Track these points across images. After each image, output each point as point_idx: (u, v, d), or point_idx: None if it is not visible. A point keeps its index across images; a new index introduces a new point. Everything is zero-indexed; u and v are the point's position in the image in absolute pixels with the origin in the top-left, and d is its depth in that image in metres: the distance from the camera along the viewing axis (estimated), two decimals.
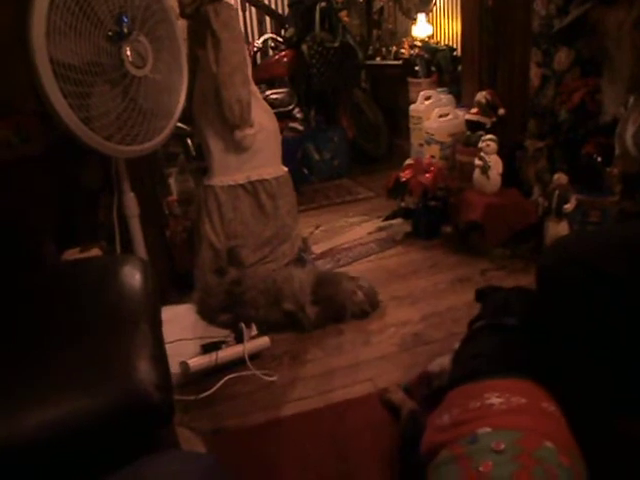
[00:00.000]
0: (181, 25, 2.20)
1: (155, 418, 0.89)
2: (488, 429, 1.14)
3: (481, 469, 1.05)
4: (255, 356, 2.03)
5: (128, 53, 1.73)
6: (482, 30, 3.24)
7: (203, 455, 1.00)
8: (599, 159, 2.61)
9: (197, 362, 1.91)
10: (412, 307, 2.36)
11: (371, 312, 2.31)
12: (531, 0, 2.97)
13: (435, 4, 4.85)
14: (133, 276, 1.15)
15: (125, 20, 1.72)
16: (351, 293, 2.29)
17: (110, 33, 1.69)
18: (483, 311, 1.65)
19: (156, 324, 1.06)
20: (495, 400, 1.21)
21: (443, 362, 1.70)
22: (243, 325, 2.06)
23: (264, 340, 2.08)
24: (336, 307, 2.26)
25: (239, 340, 2.04)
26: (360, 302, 2.29)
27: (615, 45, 1.46)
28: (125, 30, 1.72)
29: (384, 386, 1.80)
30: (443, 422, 1.26)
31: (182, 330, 2.12)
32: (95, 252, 1.83)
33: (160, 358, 0.96)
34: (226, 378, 1.91)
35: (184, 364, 1.88)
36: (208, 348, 1.97)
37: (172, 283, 2.50)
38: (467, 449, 1.12)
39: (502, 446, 1.08)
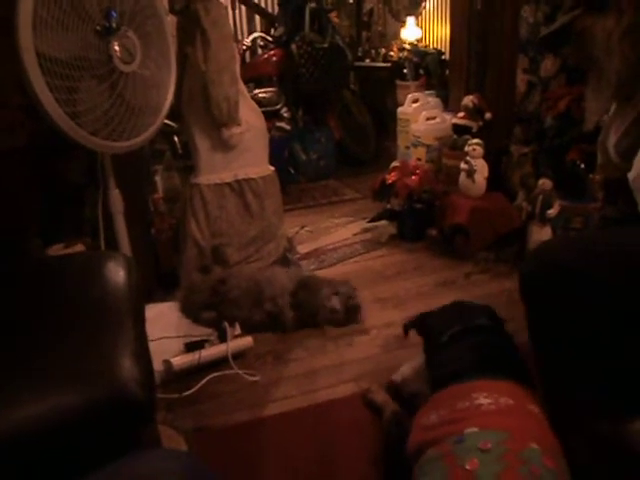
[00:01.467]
0: (170, 21, 2.19)
1: (137, 415, 0.88)
2: (475, 429, 1.15)
3: (467, 467, 1.06)
4: (238, 355, 2.03)
5: (116, 48, 1.72)
6: (470, 35, 3.28)
7: (185, 453, 1.00)
8: (582, 166, 2.64)
9: (180, 361, 1.91)
10: (396, 309, 2.37)
11: (346, 323, 2.25)
12: (519, 7, 3.00)
13: (424, 8, 4.89)
14: (117, 273, 1.14)
15: (114, 15, 1.71)
16: (326, 301, 2.25)
17: (98, 28, 1.68)
18: (436, 330, 1.61)
19: (139, 321, 1.06)
20: (484, 400, 1.23)
21: (405, 371, 1.76)
22: (227, 324, 2.06)
23: (247, 340, 2.08)
24: (311, 313, 2.25)
25: (222, 339, 2.03)
26: (333, 311, 2.24)
27: (603, 53, 1.48)
28: (114, 25, 1.71)
29: (367, 387, 1.81)
30: (430, 421, 1.27)
31: (166, 328, 2.11)
32: (79, 248, 1.81)
33: (143, 355, 0.96)
34: (209, 377, 1.90)
35: (167, 362, 1.88)
36: (191, 347, 1.97)
37: (156, 281, 2.49)
38: (454, 447, 1.13)
39: (489, 445, 1.09)
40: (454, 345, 1.50)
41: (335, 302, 2.25)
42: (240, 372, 1.93)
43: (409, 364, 1.77)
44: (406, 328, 1.73)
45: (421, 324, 1.70)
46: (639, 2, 1.44)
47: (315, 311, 2.24)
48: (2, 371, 0.90)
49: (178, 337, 2.04)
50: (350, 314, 2.27)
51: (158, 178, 2.99)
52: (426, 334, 1.67)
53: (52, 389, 0.87)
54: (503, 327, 1.60)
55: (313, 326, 2.24)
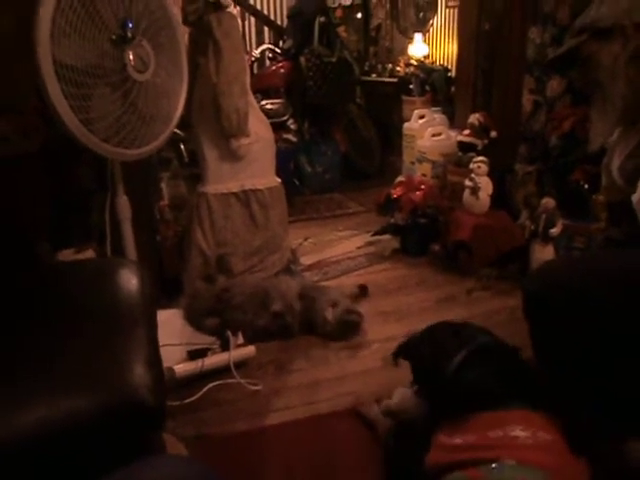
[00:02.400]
0: (183, 31, 2.22)
1: (148, 421, 0.89)
2: (512, 462, 1.11)
3: None
4: (241, 364, 2.03)
5: (131, 57, 1.75)
6: (478, 54, 3.31)
7: (196, 460, 1.00)
8: (586, 186, 2.66)
9: (183, 368, 1.91)
10: (397, 323, 2.38)
11: (339, 337, 2.24)
12: (527, 28, 3.04)
13: (432, 25, 4.94)
14: (129, 280, 1.15)
15: (130, 25, 1.74)
16: (321, 311, 2.25)
17: (114, 37, 1.70)
18: (435, 357, 1.50)
19: (152, 328, 1.07)
20: (520, 433, 1.18)
21: (404, 395, 1.67)
22: (230, 333, 2.07)
23: (250, 349, 2.09)
24: (308, 321, 2.27)
25: (225, 348, 2.04)
26: (325, 322, 2.24)
27: (608, 77, 1.50)
28: (129, 35, 1.74)
29: (367, 400, 1.82)
30: (454, 443, 1.23)
31: (169, 335, 2.11)
32: (90, 253, 1.83)
33: (154, 362, 0.97)
34: (210, 385, 1.91)
35: (170, 370, 1.88)
36: (194, 355, 1.98)
37: (160, 288, 2.50)
38: (487, 476, 1.10)
39: None
40: (468, 372, 1.39)
41: (329, 313, 2.24)
42: (242, 381, 1.93)
43: (400, 391, 1.70)
44: (395, 357, 1.64)
45: (410, 351, 1.60)
46: None
47: (311, 320, 2.26)
48: (15, 375, 0.91)
49: (181, 345, 2.05)
50: (344, 328, 2.25)
51: (164, 185, 3.01)
52: (422, 361, 1.55)
53: (64, 394, 0.88)
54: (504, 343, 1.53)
55: (316, 335, 2.25)
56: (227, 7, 2.41)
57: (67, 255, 1.83)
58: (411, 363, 1.59)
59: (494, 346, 1.47)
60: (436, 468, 1.22)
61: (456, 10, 4.16)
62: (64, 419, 0.84)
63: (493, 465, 1.11)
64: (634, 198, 1.43)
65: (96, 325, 1.03)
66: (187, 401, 1.83)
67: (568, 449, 1.19)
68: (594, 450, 1.21)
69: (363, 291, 2.62)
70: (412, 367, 1.59)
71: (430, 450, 1.28)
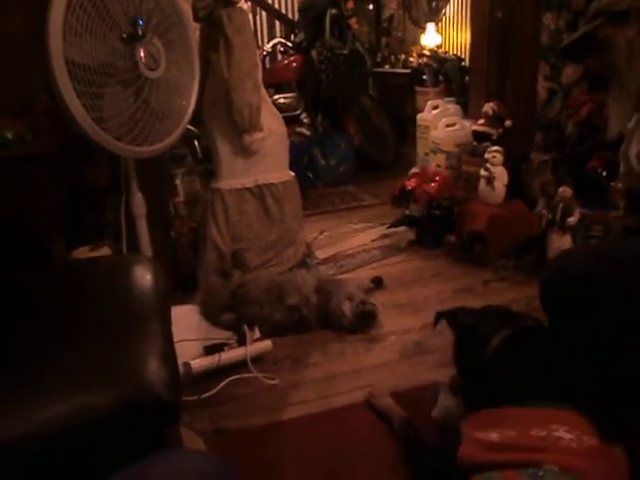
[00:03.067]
0: (193, 27, 2.22)
1: (163, 416, 0.90)
2: (555, 467, 1.06)
3: None
4: (257, 359, 2.04)
5: (142, 55, 1.75)
6: (491, 42, 3.27)
7: (213, 455, 1.01)
8: (604, 174, 2.62)
9: (200, 363, 1.93)
10: (414, 315, 2.37)
11: (356, 329, 2.23)
12: (541, 14, 3.00)
13: (444, 14, 4.89)
14: (144, 276, 1.16)
15: (140, 22, 1.74)
16: (338, 305, 2.24)
17: (124, 35, 1.71)
18: (479, 330, 1.45)
19: (166, 324, 1.08)
20: (564, 435, 1.12)
21: (447, 404, 1.61)
22: (246, 327, 2.08)
23: (266, 343, 2.09)
24: (325, 316, 2.26)
25: (242, 342, 2.05)
26: (342, 316, 2.23)
27: (624, 62, 1.48)
28: (140, 32, 1.74)
29: (382, 392, 1.81)
30: (490, 439, 1.17)
31: (185, 331, 2.13)
32: (105, 251, 1.85)
33: (170, 357, 0.98)
34: (228, 379, 1.92)
35: (186, 365, 1.90)
36: (211, 350, 1.99)
37: (176, 283, 2.51)
38: None
39: None
40: (511, 355, 1.34)
41: (346, 307, 2.24)
42: (259, 375, 1.94)
43: (444, 396, 1.63)
44: (437, 318, 1.61)
45: (456, 318, 1.55)
46: None
47: (328, 314, 2.26)
48: (32, 371, 0.92)
49: (197, 340, 2.07)
50: (361, 320, 2.24)
51: (179, 182, 3.02)
52: (463, 330, 1.50)
53: (80, 389, 0.89)
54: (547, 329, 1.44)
55: (333, 329, 2.25)
56: (237, 3, 2.40)
57: (82, 252, 1.85)
58: (453, 330, 1.54)
59: (537, 330, 1.39)
60: (470, 465, 1.16)
61: None
62: (81, 415, 0.85)
63: (534, 471, 1.05)
64: None
65: (111, 321, 1.04)
66: (205, 396, 1.85)
67: (610, 454, 1.13)
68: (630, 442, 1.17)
69: (378, 283, 2.61)
70: (454, 337, 1.53)
71: (462, 443, 1.22)
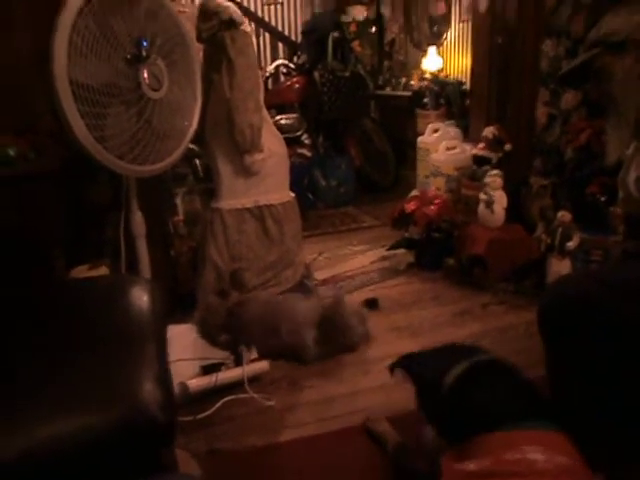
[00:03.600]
0: (196, 48, 2.24)
1: (158, 438, 0.90)
2: None
3: None
4: (254, 379, 2.03)
5: (145, 76, 1.77)
6: (491, 67, 3.31)
7: None
8: (603, 199, 2.64)
9: (196, 384, 1.92)
10: (412, 338, 2.37)
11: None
12: (540, 40, 3.04)
13: (446, 38, 4.94)
14: (141, 297, 1.16)
15: (144, 44, 1.77)
16: (350, 328, 2.26)
17: (129, 56, 1.73)
18: (434, 370, 1.46)
19: (162, 345, 1.08)
20: (538, 456, 1.12)
21: (429, 435, 1.55)
22: (244, 348, 2.07)
23: (263, 364, 2.08)
24: (337, 344, 2.25)
25: (238, 363, 2.04)
26: (352, 336, 2.26)
27: (621, 91, 1.50)
28: (143, 53, 1.76)
29: (378, 416, 1.80)
30: (468, 469, 1.17)
31: (182, 350, 2.12)
32: (103, 270, 1.85)
33: (164, 379, 0.98)
34: (223, 400, 1.91)
35: (183, 385, 1.89)
36: (208, 370, 1.98)
37: (175, 302, 2.51)
38: None
39: None
40: (469, 387, 1.35)
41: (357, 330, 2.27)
42: (255, 396, 1.93)
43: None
44: (392, 367, 1.60)
45: (410, 365, 1.56)
46: None
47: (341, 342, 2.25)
48: (28, 391, 0.92)
49: (195, 359, 2.06)
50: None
51: (179, 201, 3.03)
52: (418, 375, 1.53)
53: (75, 410, 0.89)
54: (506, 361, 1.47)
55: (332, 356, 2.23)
56: (241, 25, 2.43)
57: (81, 271, 1.85)
58: (411, 377, 1.54)
59: (495, 363, 1.42)
60: None
61: (469, 24, 4.17)
62: (75, 436, 0.84)
63: None
64: None
65: (107, 342, 1.04)
66: (200, 416, 1.83)
67: (587, 472, 1.14)
68: (613, 468, 1.18)
69: (372, 305, 2.60)
70: (413, 383, 1.53)
71: (443, 477, 1.22)
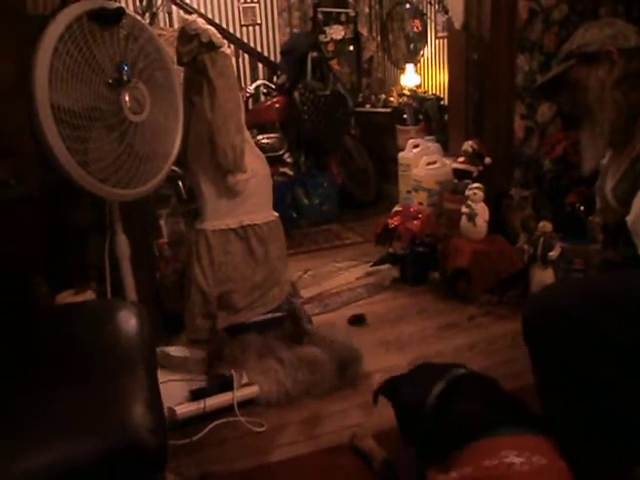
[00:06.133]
0: (177, 71, 2.26)
1: (149, 462, 0.89)
2: None
3: None
4: (244, 402, 2.01)
5: (127, 99, 1.78)
6: (468, 82, 3.36)
7: None
8: (582, 208, 2.68)
9: (184, 409, 1.89)
10: (399, 352, 2.37)
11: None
12: (514, 56, 3.10)
13: (423, 55, 5.02)
14: (129, 321, 1.16)
15: (125, 68, 1.78)
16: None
17: (110, 80, 1.74)
18: (410, 392, 1.53)
19: (151, 369, 1.07)
20: (515, 459, 1.15)
21: None
22: (234, 372, 2.05)
23: (254, 389, 2.06)
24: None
25: (229, 388, 2.01)
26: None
27: (596, 101, 1.53)
28: (125, 77, 1.77)
29: (366, 432, 1.80)
30: (450, 478, 1.20)
31: (171, 373, 2.10)
32: (89, 295, 1.83)
33: (155, 403, 0.97)
34: (213, 424, 1.89)
35: (171, 410, 1.86)
36: (197, 395, 1.95)
37: (162, 325, 2.49)
38: None
39: None
40: (449, 401, 1.40)
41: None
42: (244, 420, 1.91)
43: None
44: (375, 395, 1.64)
45: (391, 390, 1.60)
46: (629, 53, 1.50)
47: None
48: (16, 419, 0.91)
49: (184, 380, 2.03)
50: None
51: (163, 222, 3.02)
52: (399, 401, 1.57)
53: (65, 436, 0.88)
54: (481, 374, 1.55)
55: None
56: (221, 47, 2.45)
57: (66, 297, 1.83)
58: (392, 402, 1.60)
59: (471, 377, 1.48)
60: None
61: (446, 41, 4.24)
62: (65, 463, 0.83)
63: None
64: (629, 219, 1.44)
65: (96, 367, 1.03)
66: (190, 440, 1.82)
67: (565, 471, 1.18)
68: (599, 477, 1.19)
69: (359, 321, 2.61)
70: (394, 407, 1.59)
71: None
